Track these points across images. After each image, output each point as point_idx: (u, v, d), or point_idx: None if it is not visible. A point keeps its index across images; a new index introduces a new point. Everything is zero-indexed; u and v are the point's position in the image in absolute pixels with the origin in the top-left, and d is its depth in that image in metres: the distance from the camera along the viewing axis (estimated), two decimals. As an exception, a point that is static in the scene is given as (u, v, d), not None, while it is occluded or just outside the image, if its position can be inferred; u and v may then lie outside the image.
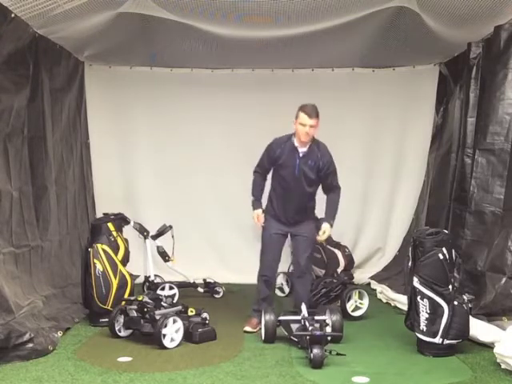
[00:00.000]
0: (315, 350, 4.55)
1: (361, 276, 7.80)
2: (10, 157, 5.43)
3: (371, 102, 8.00)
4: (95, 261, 5.68)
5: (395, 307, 6.53)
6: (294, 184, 5.48)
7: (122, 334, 5.33)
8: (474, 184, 5.96)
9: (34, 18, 5.44)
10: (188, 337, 5.17)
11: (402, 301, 6.19)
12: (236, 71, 7.98)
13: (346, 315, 5.72)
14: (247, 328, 5.56)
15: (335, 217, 5.55)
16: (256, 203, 5.65)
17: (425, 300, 4.83)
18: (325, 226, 5.48)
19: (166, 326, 5.01)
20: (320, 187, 5.64)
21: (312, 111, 5.39)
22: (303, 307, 5.25)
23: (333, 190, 5.62)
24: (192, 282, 7.09)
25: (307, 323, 4.94)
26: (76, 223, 7.14)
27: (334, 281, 6.40)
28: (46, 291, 5.82)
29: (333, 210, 5.55)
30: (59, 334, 5.19)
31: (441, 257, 4.80)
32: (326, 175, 5.52)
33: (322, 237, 5.52)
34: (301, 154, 5.47)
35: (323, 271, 7.34)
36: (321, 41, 6.49)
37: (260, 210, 5.62)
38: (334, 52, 7.21)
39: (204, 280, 7.22)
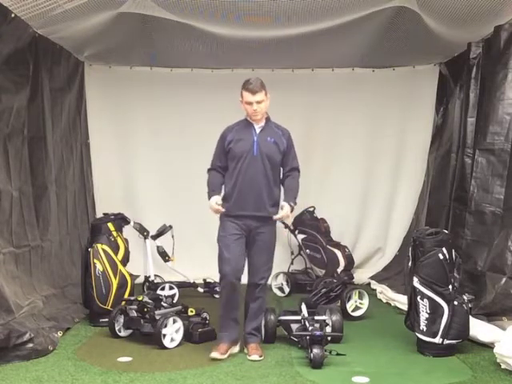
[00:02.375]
0: (315, 350, 4.54)
1: (361, 276, 7.80)
2: (10, 157, 5.43)
3: (371, 102, 8.00)
4: (95, 261, 5.68)
5: (395, 307, 6.52)
6: (253, 166, 4.71)
7: (122, 334, 5.33)
8: (474, 184, 5.97)
9: (34, 18, 5.44)
10: (188, 337, 5.16)
11: (401, 301, 6.19)
12: (236, 71, 7.96)
13: (346, 315, 5.71)
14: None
15: (296, 198, 4.89)
16: (211, 193, 4.84)
17: (425, 300, 4.82)
18: (283, 203, 4.82)
19: (165, 326, 5.01)
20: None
21: (254, 86, 4.68)
22: (303, 307, 5.24)
23: (293, 171, 4.93)
24: (192, 282, 7.09)
25: (307, 323, 4.94)
26: (76, 223, 7.13)
27: (334, 281, 6.39)
28: (46, 291, 5.81)
29: (293, 191, 4.86)
30: (59, 334, 5.19)
31: (441, 257, 4.79)
32: (288, 154, 4.88)
33: (278, 215, 4.79)
34: (258, 130, 4.79)
35: (323, 271, 7.37)
36: (321, 41, 6.49)
37: (216, 197, 4.79)
38: (334, 52, 7.21)
39: (204, 280, 7.20)
